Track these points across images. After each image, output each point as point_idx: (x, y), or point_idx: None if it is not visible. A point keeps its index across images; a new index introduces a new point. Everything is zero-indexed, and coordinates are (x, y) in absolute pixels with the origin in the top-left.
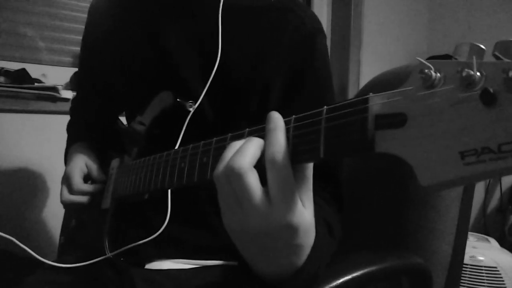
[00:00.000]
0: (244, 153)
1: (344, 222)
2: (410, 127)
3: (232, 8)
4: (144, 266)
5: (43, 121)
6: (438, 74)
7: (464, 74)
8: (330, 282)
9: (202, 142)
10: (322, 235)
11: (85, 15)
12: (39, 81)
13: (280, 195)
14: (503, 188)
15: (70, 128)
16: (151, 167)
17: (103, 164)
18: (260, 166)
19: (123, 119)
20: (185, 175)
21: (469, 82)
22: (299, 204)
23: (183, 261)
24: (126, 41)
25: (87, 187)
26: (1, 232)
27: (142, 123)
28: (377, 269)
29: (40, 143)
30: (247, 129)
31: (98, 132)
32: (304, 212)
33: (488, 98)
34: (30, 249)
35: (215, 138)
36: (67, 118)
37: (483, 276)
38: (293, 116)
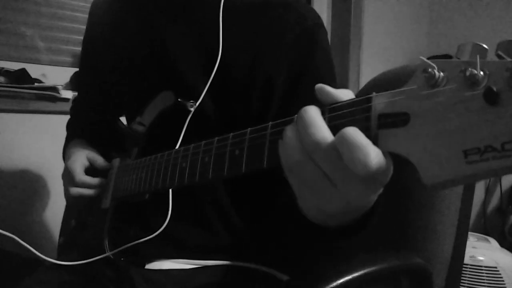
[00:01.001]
0: (315, 123)
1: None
2: (413, 126)
3: (232, 6)
4: (144, 266)
5: (43, 121)
6: (442, 74)
7: (467, 73)
8: (330, 282)
9: (204, 141)
10: None
11: (85, 15)
12: (39, 81)
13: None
14: (503, 188)
15: (69, 126)
16: (152, 167)
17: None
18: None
19: (123, 119)
20: (186, 175)
21: (472, 81)
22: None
23: (183, 261)
24: (126, 41)
25: (90, 179)
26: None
27: (143, 123)
28: (377, 269)
29: (40, 143)
30: (249, 128)
31: (98, 132)
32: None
33: (491, 97)
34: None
35: (216, 138)
36: (67, 118)
37: (483, 276)
38: (296, 115)
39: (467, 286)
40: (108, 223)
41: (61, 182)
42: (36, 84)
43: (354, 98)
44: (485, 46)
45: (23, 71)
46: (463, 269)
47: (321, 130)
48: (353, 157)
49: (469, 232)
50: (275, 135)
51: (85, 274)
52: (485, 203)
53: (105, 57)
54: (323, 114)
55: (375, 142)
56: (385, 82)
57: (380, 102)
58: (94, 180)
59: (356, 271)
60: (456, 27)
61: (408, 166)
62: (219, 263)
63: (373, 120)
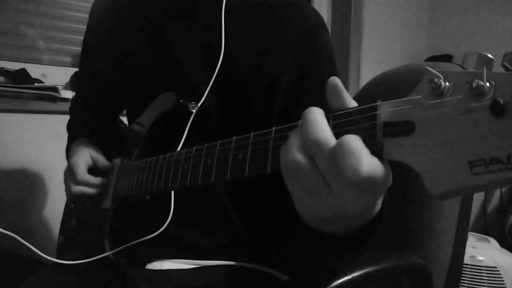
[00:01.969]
0: (318, 123)
1: None
2: (419, 135)
3: (234, 5)
4: (145, 266)
5: (43, 121)
6: (447, 84)
7: (474, 84)
8: (330, 282)
9: (206, 144)
10: None
11: (85, 15)
12: (39, 81)
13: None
14: (503, 188)
15: (70, 126)
16: (154, 168)
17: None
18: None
19: (123, 119)
20: (188, 177)
21: (478, 93)
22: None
23: (183, 261)
24: (128, 41)
25: (92, 178)
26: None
27: (143, 124)
28: (377, 269)
29: (40, 143)
30: (252, 133)
31: (98, 132)
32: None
33: (498, 109)
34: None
35: (219, 141)
36: (67, 118)
37: (483, 276)
38: (300, 121)
39: (467, 286)
40: (108, 223)
41: (61, 182)
42: (36, 84)
43: (359, 106)
44: (490, 56)
45: (23, 71)
46: (463, 269)
47: (324, 130)
48: (345, 162)
49: (469, 232)
50: (279, 140)
51: (85, 274)
52: (485, 203)
53: (105, 57)
54: (327, 120)
55: (380, 151)
56: (386, 82)
57: (385, 110)
58: (96, 180)
59: (356, 271)
60: (456, 27)
61: (406, 168)
62: (220, 263)
63: (378, 128)
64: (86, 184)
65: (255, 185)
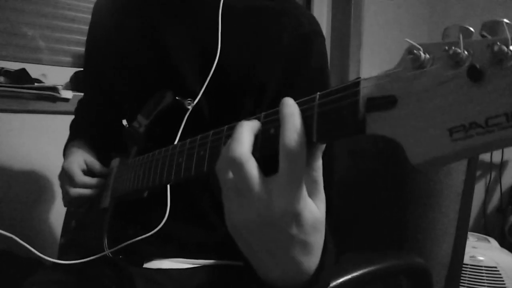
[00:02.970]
0: (241, 140)
1: (344, 222)
2: (400, 107)
3: (231, 8)
4: (143, 264)
5: (43, 121)
6: (427, 55)
7: (451, 52)
8: (330, 282)
9: (200, 135)
10: (329, 248)
11: (86, 15)
12: (39, 81)
13: (289, 183)
14: (503, 188)
15: (72, 126)
16: (150, 164)
17: (103, 164)
18: (263, 148)
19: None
20: (182, 169)
21: (456, 61)
22: (304, 192)
23: (182, 260)
24: (127, 41)
25: (89, 179)
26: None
27: (142, 122)
28: (377, 269)
29: (40, 143)
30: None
31: (99, 132)
32: (310, 203)
33: (475, 74)
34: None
35: (212, 131)
36: (67, 118)
37: (483, 276)
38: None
39: (467, 286)
40: (107, 222)
41: None
42: (36, 84)
43: (343, 84)
44: (471, 28)
45: (23, 71)
46: (463, 269)
47: (241, 147)
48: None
49: (469, 232)
50: (270, 124)
51: (85, 274)
52: (485, 203)
53: (106, 58)
54: (312, 101)
55: (363, 126)
56: None
57: (367, 85)
58: (94, 180)
59: (356, 270)
60: None
61: (409, 167)
62: (219, 262)
63: (361, 104)
64: (84, 185)
65: None
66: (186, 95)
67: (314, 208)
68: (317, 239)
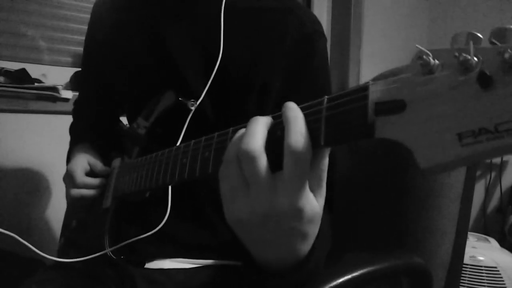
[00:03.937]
0: (256, 135)
1: (344, 222)
2: (409, 112)
3: (233, 8)
4: (144, 265)
5: (43, 121)
6: (437, 61)
7: (461, 58)
8: (330, 282)
9: (204, 137)
10: (322, 234)
11: (86, 15)
12: (39, 81)
13: (293, 181)
14: (503, 188)
15: (72, 129)
16: (153, 165)
17: (105, 164)
18: (270, 147)
19: (123, 119)
20: (186, 170)
21: (466, 67)
22: (307, 189)
23: (183, 260)
24: (127, 41)
25: (91, 180)
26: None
27: (143, 123)
28: (377, 269)
29: (40, 143)
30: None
31: (99, 133)
32: (312, 199)
33: (485, 81)
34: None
35: (217, 133)
36: (67, 118)
37: (483, 276)
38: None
39: (467, 286)
40: (108, 222)
41: (62, 182)
42: (36, 84)
43: (352, 87)
44: (479, 35)
45: (23, 71)
46: (463, 269)
47: (255, 142)
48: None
49: (469, 232)
50: (276, 126)
51: (86, 274)
52: (485, 203)
53: (106, 57)
54: (321, 104)
55: (372, 130)
56: None
57: (376, 90)
58: (95, 181)
59: (356, 271)
60: (456, 27)
61: (408, 167)
62: (220, 262)
63: (370, 108)
64: (85, 186)
65: None
66: (189, 96)
67: (315, 203)
68: (314, 230)
